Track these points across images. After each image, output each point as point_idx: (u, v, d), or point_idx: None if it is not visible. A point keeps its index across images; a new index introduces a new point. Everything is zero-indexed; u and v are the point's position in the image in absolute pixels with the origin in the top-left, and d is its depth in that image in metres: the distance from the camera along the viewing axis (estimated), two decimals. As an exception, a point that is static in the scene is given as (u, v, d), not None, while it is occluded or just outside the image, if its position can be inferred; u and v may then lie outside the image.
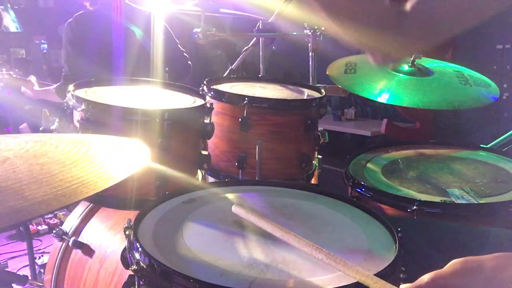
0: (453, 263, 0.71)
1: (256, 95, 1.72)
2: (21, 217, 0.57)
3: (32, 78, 2.91)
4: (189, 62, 2.79)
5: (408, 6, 0.85)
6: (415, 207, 1.31)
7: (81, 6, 2.70)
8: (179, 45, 2.76)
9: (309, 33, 2.19)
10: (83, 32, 2.55)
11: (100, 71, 2.40)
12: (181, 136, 1.45)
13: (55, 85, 2.76)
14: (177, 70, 2.62)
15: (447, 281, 0.69)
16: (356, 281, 0.77)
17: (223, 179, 1.66)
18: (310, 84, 2.18)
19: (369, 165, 1.65)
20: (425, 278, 0.70)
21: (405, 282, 0.83)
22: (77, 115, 1.41)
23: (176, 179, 1.41)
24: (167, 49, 2.65)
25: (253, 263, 0.88)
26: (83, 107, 1.37)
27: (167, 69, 2.59)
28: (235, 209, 1.02)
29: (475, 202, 1.36)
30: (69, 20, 2.60)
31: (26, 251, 2.77)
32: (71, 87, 1.47)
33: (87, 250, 1.49)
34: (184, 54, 2.77)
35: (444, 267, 0.71)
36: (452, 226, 1.22)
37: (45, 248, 3.37)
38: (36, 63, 5.35)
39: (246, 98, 1.59)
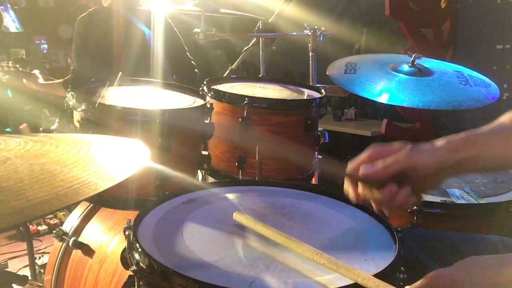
0: (426, 276, 0.72)
1: (256, 95, 1.72)
2: (23, 217, 0.57)
3: (36, 72, 2.93)
4: (196, 70, 2.78)
5: None
6: (415, 207, 1.31)
7: (81, 7, 2.70)
8: (187, 53, 2.76)
9: (309, 33, 2.19)
10: (94, 29, 2.54)
11: (108, 69, 2.40)
12: (181, 136, 1.45)
13: (61, 79, 2.77)
14: (184, 78, 2.62)
15: None
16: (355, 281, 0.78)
17: (223, 179, 1.66)
18: (310, 84, 2.18)
19: (369, 165, 1.65)
20: None
21: (405, 283, 0.83)
22: (77, 115, 1.41)
23: (176, 179, 1.41)
24: (175, 56, 2.65)
25: (253, 263, 0.88)
26: (83, 107, 1.37)
27: (174, 76, 2.59)
28: (236, 216, 1.02)
29: (475, 202, 1.36)
30: (82, 15, 2.60)
31: (26, 251, 2.77)
32: (71, 87, 1.47)
33: (87, 250, 1.49)
34: (192, 62, 2.77)
35: (419, 281, 0.72)
36: (448, 234, 1.21)
37: (45, 248, 3.37)
38: (36, 63, 5.35)
39: (246, 98, 1.59)
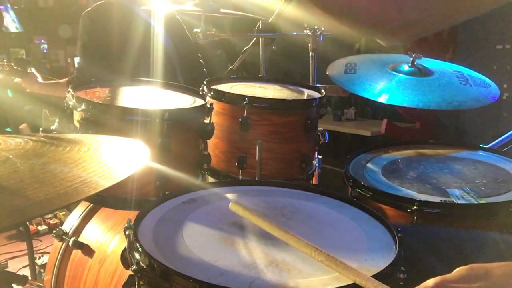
0: (459, 269, 0.71)
1: (256, 95, 1.72)
2: (23, 216, 0.57)
3: (33, 70, 2.78)
4: (204, 69, 2.75)
5: None
6: (415, 207, 1.31)
7: (81, 7, 2.66)
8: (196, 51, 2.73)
9: (309, 33, 2.19)
10: (102, 23, 2.44)
11: (116, 65, 2.35)
12: (181, 136, 1.45)
13: (65, 79, 2.67)
14: (193, 77, 2.59)
15: (453, 286, 0.69)
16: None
17: (223, 179, 1.66)
18: (310, 84, 2.18)
19: (369, 165, 1.65)
20: (430, 282, 0.70)
21: (405, 283, 0.83)
22: (77, 115, 1.41)
23: (176, 179, 1.41)
24: (185, 54, 2.62)
25: (253, 263, 0.88)
26: (83, 107, 1.37)
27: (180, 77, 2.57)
28: (232, 206, 1.02)
29: (475, 202, 1.36)
30: (88, 9, 2.50)
31: (26, 251, 2.77)
32: (71, 87, 1.47)
33: (87, 250, 1.49)
34: (200, 60, 2.75)
35: (451, 273, 0.71)
36: (449, 231, 1.21)
37: (45, 248, 3.37)
38: (36, 63, 5.36)
39: (246, 98, 1.59)
